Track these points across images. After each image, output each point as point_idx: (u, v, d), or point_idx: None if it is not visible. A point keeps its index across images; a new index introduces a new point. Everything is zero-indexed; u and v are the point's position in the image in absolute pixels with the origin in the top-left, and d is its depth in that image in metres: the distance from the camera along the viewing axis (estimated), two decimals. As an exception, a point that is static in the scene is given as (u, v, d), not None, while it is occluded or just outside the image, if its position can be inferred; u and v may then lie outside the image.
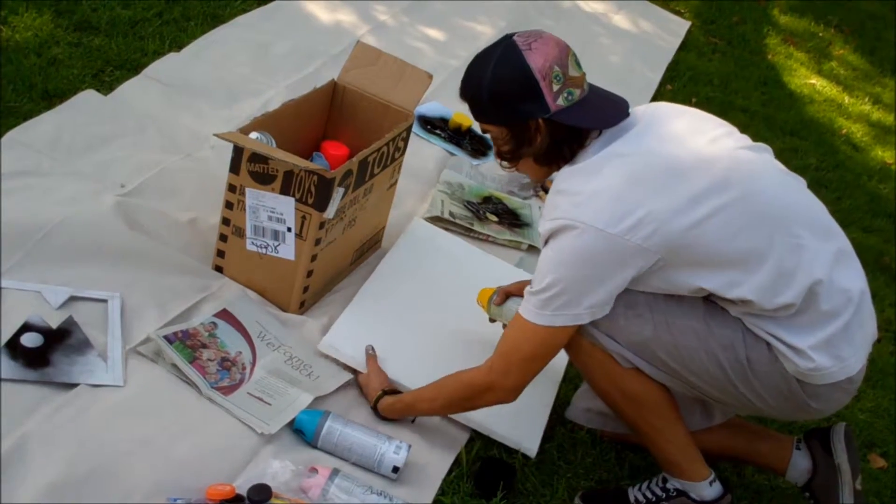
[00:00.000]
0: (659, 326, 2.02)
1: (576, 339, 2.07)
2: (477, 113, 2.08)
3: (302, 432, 2.17)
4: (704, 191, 1.93)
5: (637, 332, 2.03)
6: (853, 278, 2.05)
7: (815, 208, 2.08)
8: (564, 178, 2.00)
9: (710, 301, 2.04)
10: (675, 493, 2.21)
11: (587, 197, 1.92)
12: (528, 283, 2.28)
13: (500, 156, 2.12)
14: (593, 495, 2.30)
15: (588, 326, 2.03)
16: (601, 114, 2.02)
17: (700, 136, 2.03)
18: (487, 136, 2.12)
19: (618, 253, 1.90)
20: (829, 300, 1.99)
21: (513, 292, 2.46)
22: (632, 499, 2.27)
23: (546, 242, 1.97)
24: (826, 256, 2.00)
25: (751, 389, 2.04)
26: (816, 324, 1.99)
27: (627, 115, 2.03)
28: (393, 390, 2.31)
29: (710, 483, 2.19)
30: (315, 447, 2.16)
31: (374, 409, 2.31)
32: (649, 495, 2.24)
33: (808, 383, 2.01)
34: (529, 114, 1.99)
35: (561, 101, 1.98)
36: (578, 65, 2.02)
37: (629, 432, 2.34)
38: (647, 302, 2.03)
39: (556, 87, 1.97)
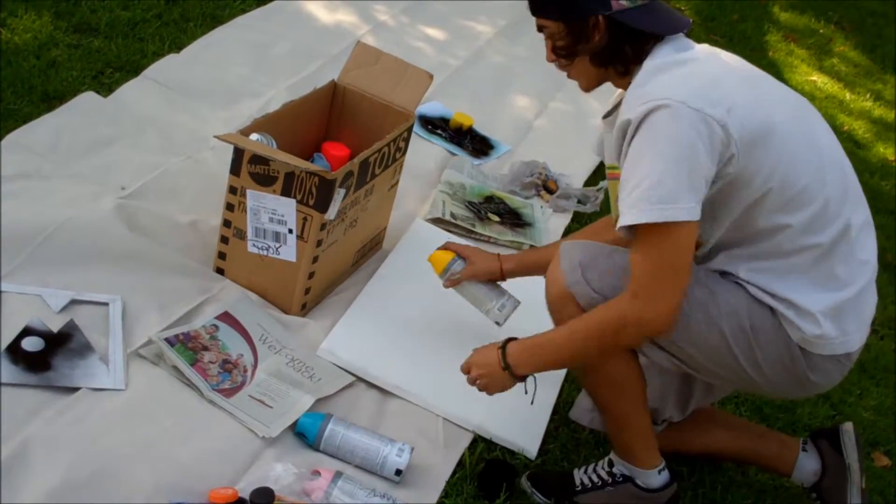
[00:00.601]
0: None
1: (569, 309, 2.04)
2: (537, 6, 2.03)
3: (304, 435, 2.17)
4: (782, 106, 1.95)
5: None
6: (871, 253, 2.05)
7: (853, 173, 2.09)
8: (644, 74, 1.94)
9: (713, 272, 2.02)
10: (621, 479, 2.21)
11: (676, 81, 1.87)
12: (474, 247, 2.44)
13: (555, 52, 2.05)
14: (540, 476, 2.29)
15: (593, 294, 2.00)
16: (664, 20, 1.98)
17: (762, 73, 2.06)
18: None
19: (708, 134, 1.82)
20: (846, 263, 1.98)
21: (462, 252, 2.49)
22: (577, 480, 2.26)
23: (636, 132, 1.87)
24: (856, 223, 2.00)
25: (751, 361, 2.01)
26: (827, 286, 1.96)
27: (689, 24, 2.01)
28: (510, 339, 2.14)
29: (659, 472, 2.19)
30: (317, 450, 2.16)
31: (505, 367, 2.10)
32: (595, 478, 2.24)
33: (810, 352, 1.98)
34: (591, 9, 1.95)
35: (625, 2, 1.94)
36: None
37: None
38: None
39: None
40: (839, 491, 2.30)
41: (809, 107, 2.08)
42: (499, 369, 2.11)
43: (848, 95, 5.82)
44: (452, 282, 2.49)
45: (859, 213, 2.03)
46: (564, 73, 2.10)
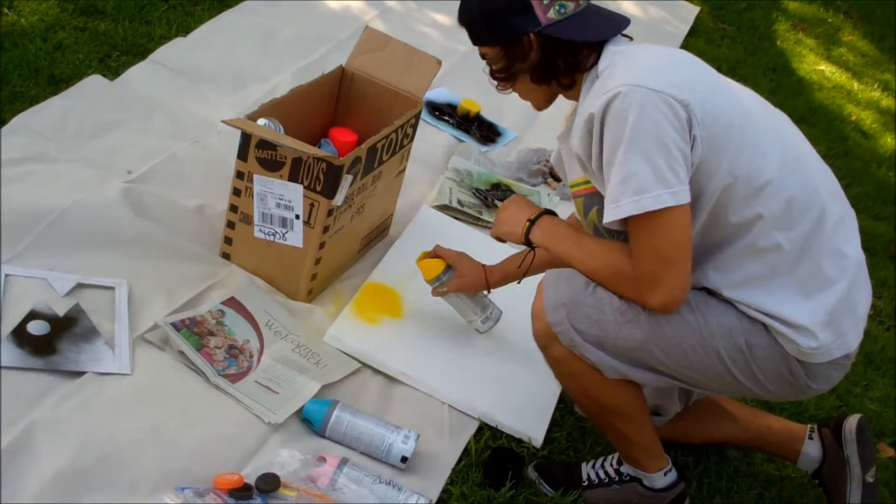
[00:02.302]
0: (652, 327, 1.95)
1: (555, 346, 2.03)
2: (473, 36, 2.06)
3: (310, 422, 2.16)
4: (744, 95, 1.96)
5: (629, 336, 1.96)
6: (853, 246, 2.01)
7: (826, 167, 2.04)
8: (603, 71, 1.93)
9: (699, 292, 1.97)
10: (627, 479, 2.21)
11: (632, 67, 1.87)
12: (462, 253, 2.44)
13: (494, 75, 2.07)
14: (547, 466, 2.29)
15: (576, 336, 1.98)
16: (597, 26, 1.99)
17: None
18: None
19: (672, 113, 1.79)
20: (829, 258, 1.94)
21: (451, 261, 2.47)
22: (584, 474, 2.26)
23: (602, 126, 1.84)
24: (833, 213, 1.96)
25: (751, 377, 1.98)
26: (815, 286, 1.93)
27: (625, 25, 2.01)
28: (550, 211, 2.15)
29: (665, 473, 2.19)
30: (323, 436, 2.15)
31: (531, 221, 2.10)
32: (602, 475, 2.24)
33: (809, 363, 1.96)
34: (520, 28, 1.96)
35: (552, 14, 1.95)
36: None
37: None
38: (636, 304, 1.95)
39: (546, 1, 1.94)
40: (838, 481, 2.30)
41: (777, 110, 2.05)
42: (523, 220, 2.12)
43: (856, 85, 5.79)
44: (440, 293, 2.49)
45: (836, 206, 1.99)
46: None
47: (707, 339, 1.95)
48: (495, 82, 2.08)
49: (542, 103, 2.11)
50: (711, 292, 1.98)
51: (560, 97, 2.10)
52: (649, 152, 1.79)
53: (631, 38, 2.01)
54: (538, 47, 1.97)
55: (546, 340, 2.06)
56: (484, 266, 2.49)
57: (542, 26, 1.95)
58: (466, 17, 2.04)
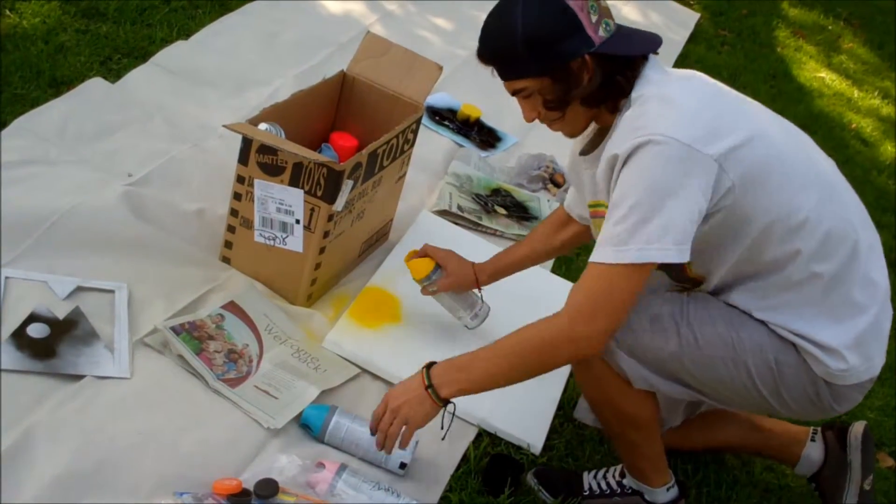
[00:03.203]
0: (685, 337, 1.94)
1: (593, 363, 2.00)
2: (510, 69, 1.88)
3: (309, 427, 2.16)
4: (776, 130, 1.90)
5: (662, 346, 1.93)
6: (881, 273, 2.00)
7: (854, 194, 2.03)
8: (637, 103, 1.84)
9: (733, 308, 1.97)
10: (630, 491, 2.20)
11: (666, 113, 1.78)
12: (450, 252, 2.41)
13: (547, 106, 1.90)
14: (547, 473, 2.28)
15: (611, 342, 1.93)
16: (642, 40, 1.90)
17: (748, 97, 2.01)
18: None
19: (703, 172, 1.74)
20: (860, 287, 1.93)
21: (440, 260, 2.45)
22: (586, 484, 2.26)
23: (625, 164, 1.78)
24: (864, 242, 1.95)
25: (776, 395, 1.98)
26: (847, 315, 1.92)
27: (660, 44, 1.92)
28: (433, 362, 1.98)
29: (668, 489, 2.18)
30: (322, 442, 2.15)
31: (428, 386, 1.92)
32: (604, 486, 2.23)
33: (835, 384, 1.95)
34: (574, 51, 1.82)
35: (602, 33, 1.83)
36: None
37: None
38: (671, 314, 1.95)
39: (594, 18, 1.82)
40: (837, 485, 2.29)
41: (794, 126, 2.03)
42: (422, 391, 1.92)
43: (856, 93, 5.79)
44: (430, 292, 2.48)
45: (867, 234, 1.98)
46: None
47: (739, 353, 1.94)
48: (538, 115, 1.94)
49: (581, 130, 2.01)
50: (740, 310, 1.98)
51: None
52: (663, 204, 1.73)
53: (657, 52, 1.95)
54: (595, 68, 1.84)
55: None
56: (473, 264, 2.48)
57: (596, 46, 1.83)
58: (502, 50, 1.86)
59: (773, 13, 6.48)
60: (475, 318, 2.52)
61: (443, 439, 2.14)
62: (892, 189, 4.80)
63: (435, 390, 1.92)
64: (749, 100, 1.99)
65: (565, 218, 2.40)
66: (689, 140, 1.74)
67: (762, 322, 1.95)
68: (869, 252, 1.96)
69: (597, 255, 1.80)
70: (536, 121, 1.98)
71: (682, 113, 1.78)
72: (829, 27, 6.63)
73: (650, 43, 1.91)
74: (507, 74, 1.90)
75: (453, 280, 2.46)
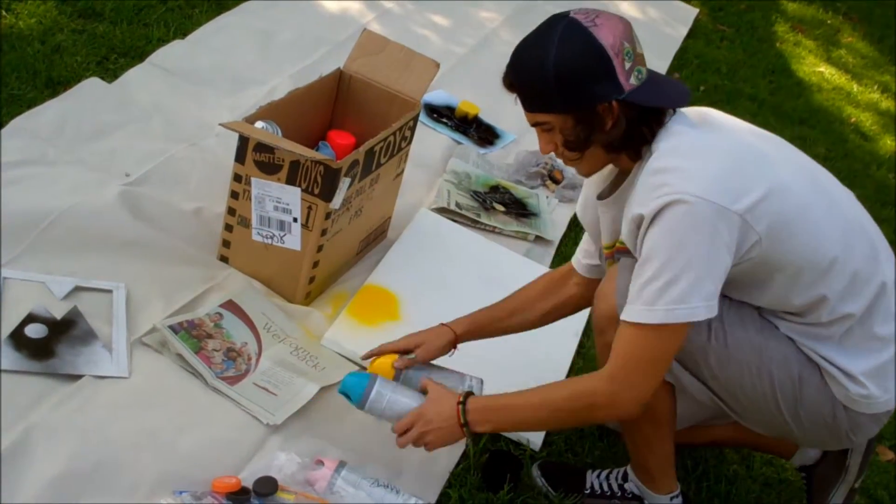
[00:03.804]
0: (716, 333, 1.92)
1: (611, 330, 1.93)
2: (536, 101, 1.86)
3: (348, 396, 2.08)
4: (798, 176, 1.87)
5: (692, 337, 1.89)
6: None
7: (875, 226, 2.01)
8: (660, 157, 1.82)
9: (764, 318, 1.96)
10: (630, 497, 2.20)
11: (690, 170, 1.77)
12: (410, 335, 2.22)
13: (568, 146, 1.88)
14: (551, 467, 2.28)
15: None
16: (671, 91, 1.89)
17: (766, 135, 1.98)
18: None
19: (728, 229, 1.74)
20: (884, 323, 1.92)
21: (406, 347, 2.21)
22: (588, 482, 2.25)
23: (651, 224, 1.77)
24: (890, 277, 1.94)
25: (793, 412, 1.96)
26: (868, 348, 1.92)
27: (689, 96, 1.91)
28: (469, 392, 2.02)
29: (672, 499, 2.18)
30: (362, 409, 2.06)
31: (464, 424, 1.96)
32: (605, 486, 2.22)
33: (855, 411, 1.94)
34: (603, 96, 1.80)
35: (633, 81, 1.81)
36: (639, 42, 1.86)
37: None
38: None
39: (627, 65, 1.80)
40: (828, 482, 2.29)
41: (813, 162, 2.00)
42: (455, 424, 1.96)
43: (855, 87, 5.79)
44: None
45: (890, 268, 1.97)
46: None
47: (764, 361, 1.93)
48: (563, 153, 1.92)
49: (597, 170, 1.99)
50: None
51: None
52: (692, 264, 1.74)
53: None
54: (620, 115, 1.82)
55: (606, 323, 1.98)
56: (441, 325, 2.27)
57: (625, 93, 1.81)
58: (532, 80, 1.83)
59: (772, 8, 6.48)
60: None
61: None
62: (892, 183, 4.80)
63: (469, 426, 1.96)
64: (769, 140, 1.96)
65: (562, 277, 2.31)
66: (714, 198, 1.73)
67: (790, 339, 1.94)
68: (893, 287, 1.96)
69: (627, 314, 1.81)
70: None
71: (707, 170, 1.77)
72: (828, 21, 6.63)
73: (678, 95, 1.89)
74: (531, 106, 1.88)
75: (429, 346, 2.21)
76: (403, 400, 2.06)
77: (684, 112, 1.90)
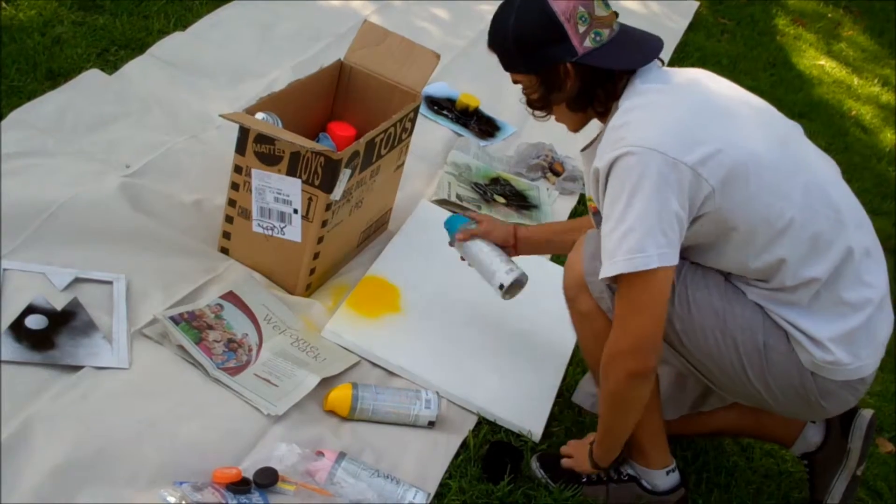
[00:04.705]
0: (679, 298, 1.97)
1: (584, 298, 2.05)
2: (505, 63, 2.03)
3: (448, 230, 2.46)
4: (762, 137, 1.91)
5: None
6: (879, 277, 2.01)
7: (853, 197, 2.04)
8: (621, 114, 1.91)
9: (732, 283, 2.00)
10: (626, 478, 2.21)
11: (646, 123, 1.86)
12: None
13: (531, 104, 2.05)
14: (550, 458, 2.28)
15: (608, 292, 1.99)
16: (632, 53, 1.96)
17: (751, 99, 2.02)
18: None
19: (677, 179, 1.81)
20: (852, 288, 1.94)
21: (469, 215, 2.48)
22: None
23: (607, 177, 1.87)
24: (859, 244, 1.96)
25: (762, 380, 1.99)
26: (836, 313, 1.94)
27: (660, 50, 1.98)
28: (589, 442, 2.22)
29: (667, 473, 2.19)
30: (451, 245, 2.45)
31: (594, 465, 2.20)
32: (602, 473, 2.23)
33: (823, 377, 1.96)
34: (557, 58, 1.94)
35: (589, 43, 1.92)
36: (606, 4, 1.97)
37: None
38: None
39: (581, 29, 1.91)
40: (830, 468, 2.29)
41: (795, 130, 2.03)
42: (588, 464, 2.20)
43: (856, 80, 5.78)
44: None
45: (862, 238, 1.98)
46: None
47: (729, 325, 1.97)
48: (531, 110, 2.08)
49: (577, 126, 2.10)
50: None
51: None
52: (645, 213, 1.81)
53: (662, 61, 2.00)
54: (575, 77, 1.96)
55: (575, 291, 2.08)
56: (514, 225, 2.48)
57: (578, 55, 1.92)
58: (499, 44, 2.01)
59: (773, 1, 6.47)
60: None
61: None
62: (892, 176, 4.79)
63: (598, 465, 2.19)
64: (750, 104, 2.00)
65: (573, 226, 2.43)
66: (664, 149, 1.81)
67: (759, 306, 1.97)
68: (864, 256, 1.97)
69: (602, 272, 1.89)
70: None
71: (659, 123, 1.86)
72: (829, 15, 6.62)
73: (642, 54, 1.97)
74: (504, 66, 2.05)
75: (489, 226, 2.42)
76: (488, 249, 2.37)
77: (665, 70, 1.99)
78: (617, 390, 1.98)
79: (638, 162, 1.81)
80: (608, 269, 1.86)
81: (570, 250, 2.32)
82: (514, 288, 2.33)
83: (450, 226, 2.46)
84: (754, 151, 1.88)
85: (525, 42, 1.95)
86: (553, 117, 2.10)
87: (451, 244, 2.47)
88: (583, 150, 2.13)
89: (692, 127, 1.86)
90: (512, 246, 2.44)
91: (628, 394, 1.99)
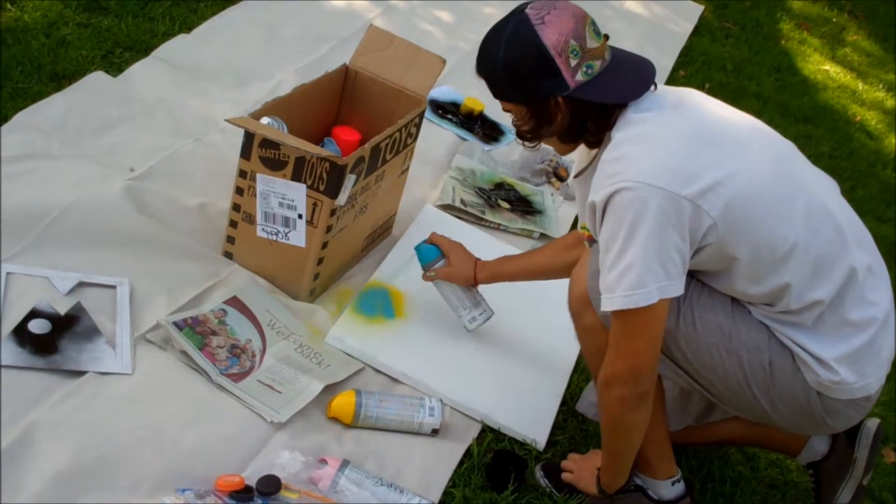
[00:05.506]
0: (685, 318, 1.96)
1: (588, 314, 2.03)
2: (495, 91, 1.99)
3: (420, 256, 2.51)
4: (758, 161, 1.89)
5: None
6: (882, 295, 1.99)
7: (853, 215, 2.03)
8: (615, 147, 1.88)
9: (737, 302, 1.98)
10: (632, 488, 2.19)
11: (641, 157, 1.83)
12: (458, 244, 2.52)
13: (521, 135, 2.02)
14: (554, 467, 2.27)
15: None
16: (625, 85, 1.92)
17: (741, 119, 2.00)
18: (501, 122, 2.06)
19: (677, 213, 1.79)
20: (856, 308, 1.93)
21: (445, 249, 2.51)
22: None
23: (604, 212, 1.84)
24: (861, 263, 1.94)
25: (767, 397, 1.98)
26: (841, 334, 1.93)
27: (653, 79, 1.94)
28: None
29: (673, 483, 2.18)
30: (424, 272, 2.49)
31: (601, 492, 2.20)
32: (606, 500, 2.22)
33: (828, 397, 1.95)
34: (548, 91, 1.90)
35: (580, 77, 1.88)
36: (598, 33, 1.91)
37: None
38: None
39: (573, 63, 1.87)
40: (836, 477, 2.28)
41: (789, 149, 2.01)
42: (594, 488, 2.20)
43: (860, 85, 5.77)
44: (429, 278, 2.52)
45: (864, 256, 1.97)
46: None
47: (734, 344, 1.96)
48: (521, 141, 2.05)
49: (567, 152, 2.09)
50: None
51: None
52: (645, 249, 1.79)
53: (655, 85, 1.96)
54: (566, 110, 1.92)
55: (580, 306, 2.06)
56: (477, 261, 2.50)
57: (570, 90, 1.88)
58: (489, 73, 1.97)
59: (777, 5, 6.46)
60: (473, 321, 2.50)
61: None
62: (897, 182, 4.79)
63: (606, 492, 2.18)
64: (741, 125, 1.98)
65: (577, 240, 2.38)
66: (662, 184, 1.79)
67: (764, 325, 1.96)
68: (868, 274, 1.96)
69: (602, 306, 1.88)
70: None
71: (655, 156, 1.83)
72: (834, 19, 6.60)
73: (633, 86, 1.93)
74: (493, 93, 2.01)
75: (452, 271, 2.48)
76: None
77: (657, 94, 1.95)
78: (614, 414, 2.00)
79: (636, 198, 1.79)
80: (607, 304, 1.85)
81: (541, 278, 2.45)
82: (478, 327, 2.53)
83: (420, 258, 2.52)
84: (752, 179, 1.86)
85: (515, 74, 1.91)
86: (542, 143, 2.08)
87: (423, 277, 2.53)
88: (575, 176, 2.12)
89: (688, 157, 1.83)
90: (472, 282, 2.51)
91: (626, 417, 1.99)
